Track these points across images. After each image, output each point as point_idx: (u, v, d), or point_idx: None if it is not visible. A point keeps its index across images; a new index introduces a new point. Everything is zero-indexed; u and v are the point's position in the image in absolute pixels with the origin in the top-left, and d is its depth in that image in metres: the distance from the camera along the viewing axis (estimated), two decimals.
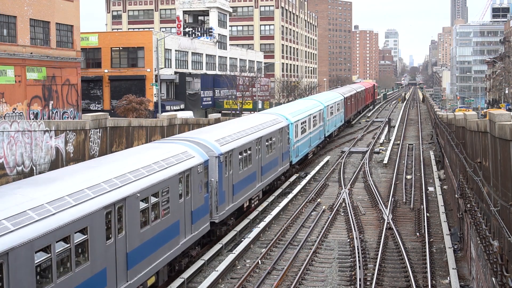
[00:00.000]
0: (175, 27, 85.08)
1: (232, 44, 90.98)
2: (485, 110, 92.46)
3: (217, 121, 46.04)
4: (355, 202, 29.87)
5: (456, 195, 23.18)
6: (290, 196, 30.30)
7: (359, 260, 20.32)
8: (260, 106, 71.99)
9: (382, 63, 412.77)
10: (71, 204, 12.65)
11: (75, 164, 17.18)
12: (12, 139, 28.11)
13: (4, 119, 36.10)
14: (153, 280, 16.51)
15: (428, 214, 27.13)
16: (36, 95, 43.09)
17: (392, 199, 29.81)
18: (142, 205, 15.51)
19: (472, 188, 18.42)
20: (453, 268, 19.28)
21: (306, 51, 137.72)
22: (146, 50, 60.20)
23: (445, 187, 33.35)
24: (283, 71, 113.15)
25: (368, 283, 18.64)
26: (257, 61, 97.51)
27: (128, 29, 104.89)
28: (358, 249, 21.49)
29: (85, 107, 58.00)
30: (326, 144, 50.59)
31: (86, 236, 12.75)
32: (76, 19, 47.41)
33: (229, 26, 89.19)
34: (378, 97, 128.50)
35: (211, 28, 78.91)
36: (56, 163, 30.56)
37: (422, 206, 28.53)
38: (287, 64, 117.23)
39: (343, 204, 29.25)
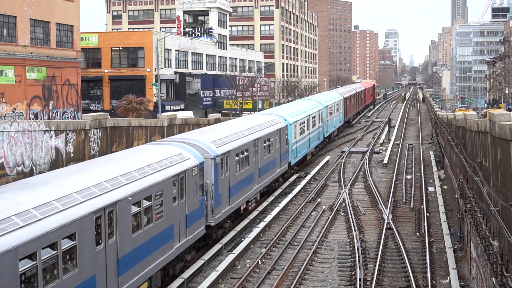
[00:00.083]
0: (175, 27, 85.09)
1: (232, 44, 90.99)
2: (485, 110, 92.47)
3: (217, 121, 46.05)
4: (355, 202, 29.87)
5: (456, 195, 23.19)
6: (290, 196, 30.30)
7: (359, 260, 20.31)
8: (260, 106, 72.00)
9: (382, 63, 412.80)
10: (58, 209, 12.24)
11: (66, 167, 16.77)
12: (12, 139, 28.11)
13: (4, 119, 36.10)
14: (145, 286, 16.17)
15: (428, 214, 27.13)
16: (36, 95, 43.09)
17: (392, 199, 29.81)
18: (134, 209, 15.12)
19: (472, 188, 18.42)
20: (453, 268, 19.28)
21: (306, 51, 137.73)
22: (146, 50, 60.21)
23: (445, 187, 33.35)
24: (283, 71, 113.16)
25: (368, 283, 18.64)
26: (257, 61, 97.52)
27: (128, 29, 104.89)
28: (358, 249, 21.49)
29: (85, 107, 58.01)
30: (325, 145, 50.27)
31: (74, 242, 12.35)
32: (76, 19, 47.42)
33: (229, 26, 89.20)
34: (378, 97, 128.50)
35: (211, 28, 78.91)
36: (56, 163, 30.57)
37: (422, 206, 28.53)
38: (287, 64, 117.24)
39: (343, 204, 29.25)
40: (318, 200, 30.37)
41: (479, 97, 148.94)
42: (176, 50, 66.51)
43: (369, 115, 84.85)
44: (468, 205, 18.97)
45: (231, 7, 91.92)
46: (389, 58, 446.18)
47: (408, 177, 36.81)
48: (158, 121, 40.53)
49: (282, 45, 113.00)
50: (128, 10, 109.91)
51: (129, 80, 60.11)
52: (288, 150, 34.03)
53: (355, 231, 24.18)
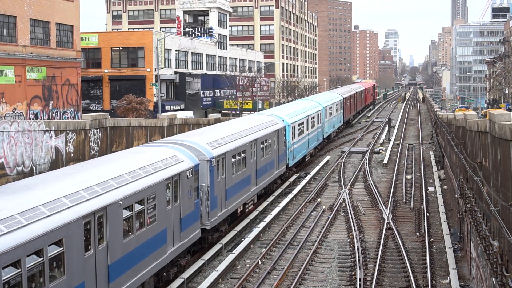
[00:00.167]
0: (175, 27, 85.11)
1: (232, 44, 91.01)
2: (485, 110, 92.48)
3: (217, 121, 46.05)
4: (355, 202, 29.87)
5: (456, 195, 23.19)
6: (290, 196, 30.30)
7: (359, 260, 20.31)
8: (260, 106, 72.00)
9: (382, 63, 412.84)
10: (45, 215, 11.84)
11: (56, 170, 16.28)
12: (12, 139, 28.12)
13: (4, 119, 36.11)
14: None
15: (428, 214, 27.13)
16: (36, 95, 43.10)
17: (392, 199, 29.81)
18: (126, 213, 14.73)
19: (472, 188, 18.43)
20: (453, 268, 19.28)
21: (306, 51, 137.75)
22: (146, 50, 60.22)
23: (445, 187, 33.35)
24: (283, 71, 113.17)
25: (368, 283, 18.64)
26: (257, 61, 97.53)
27: (128, 29, 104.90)
28: (358, 249, 21.49)
29: (85, 107, 58.02)
30: (324, 145, 49.95)
31: (61, 248, 11.96)
32: (76, 19, 47.42)
33: (229, 26, 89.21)
34: (378, 97, 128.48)
35: (211, 28, 78.92)
36: (56, 163, 30.58)
37: (422, 206, 28.53)
38: (287, 64, 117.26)
39: (343, 204, 29.25)
40: (318, 200, 30.36)
41: (479, 97, 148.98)
42: (176, 50, 66.52)
43: (369, 115, 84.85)
44: (468, 205, 18.98)
45: (231, 7, 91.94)
46: (389, 58, 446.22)
47: (408, 177, 36.81)
48: (158, 121, 40.54)
49: (282, 45, 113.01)
50: (128, 10, 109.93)
51: (129, 80, 60.12)
52: (286, 151, 33.69)
53: (355, 231, 24.18)
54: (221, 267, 19.42)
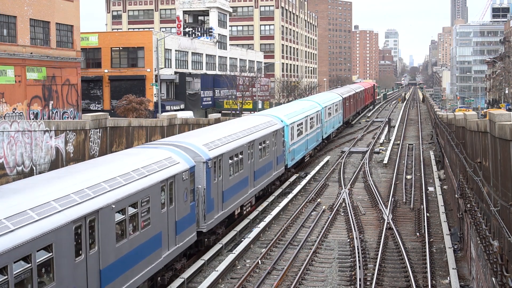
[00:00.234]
0: (175, 27, 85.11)
1: (232, 44, 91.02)
2: (485, 110, 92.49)
3: (217, 121, 46.06)
4: (355, 202, 29.87)
5: (456, 195, 23.19)
6: (290, 196, 30.29)
7: (359, 260, 20.32)
8: (260, 106, 72.01)
9: (382, 63, 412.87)
10: (33, 219, 11.48)
11: (46, 173, 15.87)
12: (12, 139, 28.12)
13: (4, 119, 36.11)
14: None
15: (428, 214, 27.13)
16: (36, 95, 43.11)
17: (392, 199, 29.81)
18: (118, 217, 14.38)
19: (472, 188, 18.43)
20: (453, 268, 19.28)
21: (306, 51, 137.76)
22: (146, 50, 60.23)
23: (445, 187, 33.36)
24: (283, 71, 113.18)
25: (368, 283, 18.64)
26: (257, 61, 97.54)
27: (128, 29, 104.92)
28: (358, 249, 21.49)
29: (85, 107, 58.03)
30: (323, 146, 49.64)
31: (51, 254, 11.61)
32: (76, 19, 47.43)
33: (229, 26, 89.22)
34: (378, 97, 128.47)
35: (211, 28, 78.93)
36: (56, 163, 30.59)
37: (422, 206, 28.53)
38: (287, 64, 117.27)
39: (343, 204, 29.25)
40: (318, 200, 30.36)
41: (479, 97, 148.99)
42: (176, 50, 66.53)
43: (369, 115, 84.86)
44: (468, 205, 18.98)
45: (231, 7, 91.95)
46: (389, 58, 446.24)
47: (408, 177, 36.81)
48: (158, 121, 40.55)
49: (282, 45, 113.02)
50: (128, 10, 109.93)
51: (129, 80, 60.12)
52: (285, 152, 33.38)
53: (355, 231, 24.18)
54: (221, 267, 19.42)
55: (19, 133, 28.51)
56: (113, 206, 14.08)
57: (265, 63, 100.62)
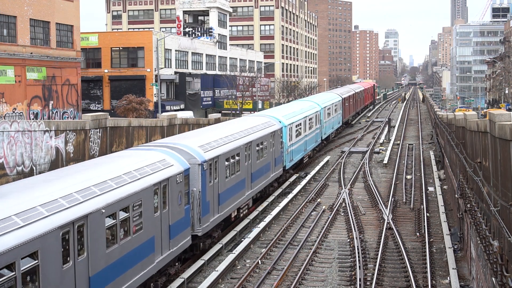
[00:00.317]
0: (175, 27, 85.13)
1: (232, 44, 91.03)
2: (485, 110, 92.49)
3: (217, 121, 46.06)
4: (355, 202, 29.87)
5: (456, 195, 23.19)
6: (290, 196, 30.29)
7: (359, 260, 20.32)
8: (260, 106, 72.02)
9: (382, 63, 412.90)
10: (18, 225, 11.08)
11: (34, 176, 15.34)
12: (12, 139, 28.12)
13: (4, 119, 36.12)
14: None
15: (428, 214, 27.13)
16: (36, 95, 43.11)
17: (392, 199, 29.81)
18: (109, 221, 13.99)
19: (472, 188, 18.43)
20: (453, 268, 19.28)
21: (306, 51, 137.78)
22: (146, 50, 60.24)
23: (445, 187, 33.36)
24: (283, 71, 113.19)
25: (368, 283, 18.64)
26: (257, 61, 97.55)
27: (128, 29, 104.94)
28: (358, 249, 21.49)
29: (85, 107, 58.03)
30: (323, 147, 49.25)
31: (36, 261, 11.21)
32: (76, 19, 47.44)
33: (229, 26, 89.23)
34: (378, 97, 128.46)
35: (211, 28, 78.94)
36: (56, 163, 30.59)
37: (422, 206, 28.53)
38: (287, 64, 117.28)
39: (343, 204, 29.26)
40: (318, 200, 30.36)
41: (479, 97, 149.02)
42: (176, 50, 66.53)
43: (369, 115, 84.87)
44: (468, 205, 18.98)
45: (231, 7, 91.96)
46: (389, 58, 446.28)
47: (408, 177, 36.81)
48: (158, 121, 40.55)
49: (282, 45, 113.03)
50: (128, 10, 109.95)
51: (129, 80, 60.14)
52: (283, 154, 33.01)
53: (355, 231, 24.18)
54: (221, 267, 19.42)
55: (19, 133, 28.52)
56: (103, 210, 13.68)
57: (265, 63, 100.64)
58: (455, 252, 21.47)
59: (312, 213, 27.80)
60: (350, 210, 27.77)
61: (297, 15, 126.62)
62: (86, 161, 18.81)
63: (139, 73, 60.14)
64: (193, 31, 78.92)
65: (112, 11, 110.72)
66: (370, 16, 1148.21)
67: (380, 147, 48.85)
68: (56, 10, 44.98)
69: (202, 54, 73.99)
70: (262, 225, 24.77)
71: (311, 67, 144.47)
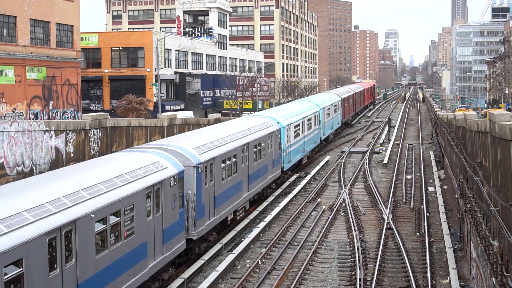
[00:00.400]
0: (175, 27, 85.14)
1: (232, 44, 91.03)
2: (485, 110, 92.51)
3: (217, 121, 46.06)
4: (355, 202, 29.87)
5: (456, 195, 23.19)
6: (290, 196, 30.30)
7: (359, 260, 20.32)
8: (260, 106, 72.03)
9: (382, 63, 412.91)
10: (1, 232, 10.75)
11: (20, 180, 14.96)
12: (12, 139, 28.12)
13: (4, 119, 36.12)
14: None
15: (428, 214, 27.13)
16: (36, 95, 43.11)
17: (392, 199, 29.82)
18: (99, 226, 13.58)
19: (472, 188, 18.43)
20: (453, 268, 19.28)
21: (306, 51, 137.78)
22: (146, 50, 60.24)
23: (445, 187, 33.36)
24: (283, 71, 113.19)
25: (368, 283, 18.64)
26: (257, 61, 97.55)
27: (128, 29, 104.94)
28: (358, 249, 21.50)
29: (85, 107, 58.04)
30: (322, 148, 48.95)
31: (20, 269, 10.83)
32: (76, 19, 47.44)
33: (229, 26, 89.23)
34: (378, 97, 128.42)
35: (211, 28, 78.94)
36: (56, 163, 30.59)
37: (422, 206, 28.53)
38: (287, 64, 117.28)
39: (343, 204, 29.26)
40: (318, 200, 30.36)
41: (479, 97, 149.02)
42: (176, 50, 66.53)
43: (369, 115, 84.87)
44: (468, 205, 18.98)
45: (231, 7, 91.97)
46: (389, 58, 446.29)
47: (408, 177, 36.81)
48: (158, 121, 40.55)
49: (282, 45, 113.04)
50: (128, 10, 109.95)
51: (129, 80, 60.14)
52: (281, 155, 32.55)
53: (355, 231, 24.18)
54: (221, 267, 19.42)
55: (19, 133, 28.51)
56: (93, 215, 13.28)
57: (265, 63, 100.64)
58: (455, 252, 21.47)
59: (312, 213, 27.80)
60: (350, 210, 27.77)
61: (297, 15, 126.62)
62: (77, 163, 18.28)
63: (139, 73, 60.14)
64: (193, 31, 78.93)
65: (112, 11, 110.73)
66: (370, 16, 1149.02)
67: (380, 147, 48.85)
68: (56, 10, 44.98)
69: (202, 54, 74.00)
70: (262, 225, 24.78)
71: (311, 67, 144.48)
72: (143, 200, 15.83)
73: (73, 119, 45.48)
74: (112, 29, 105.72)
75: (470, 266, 19.22)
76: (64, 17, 45.96)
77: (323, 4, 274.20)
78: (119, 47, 61.56)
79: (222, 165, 22.42)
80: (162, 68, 60.48)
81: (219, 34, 79.94)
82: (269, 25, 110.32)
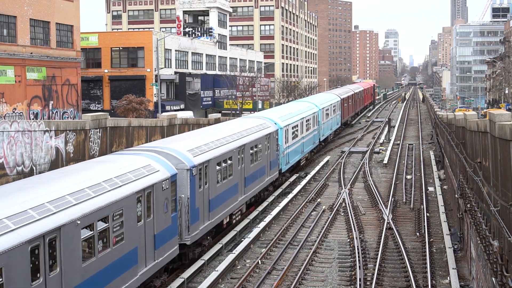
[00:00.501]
0: (175, 27, 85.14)
1: (232, 44, 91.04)
2: (485, 110, 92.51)
3: (217, 121, 46.06)
4: (355, 202, 29.88)
5: (456, 195, 23.19)
6: (290, 196, 30.30)
7: (359, 260, 20.32)
8: (260, 106, 72.04)
9: (382, 63, 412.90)
10: None
11: (6, 184, 14.50)
12: (12, 139, 28.11)
13: (4, 119, 36.12)
14: None
15: (428, 214, 27.14)
16: (36, 95, 43.11)
17: (392, 199, 29.82)
18: (85, 233, 13.08)
19: (472, 188, 18.43)
20: (453, 268, 19.29)
21: (306, 51, 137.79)
22: (146, 50, 60.24)
23: (445, 187, 33.36)
24: (283, 71, 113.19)
25: (368, 283, 18.65)
26: (257, 61, 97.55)
27: (128, 29, 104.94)
28: (358, 249, 21.50)
29: (85, 107, 58.04)
30: (320, 148, 48.67)
31: (0, 279, 10.43)
32: (76, 19, 47.44)
33: (229, 26, 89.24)
34: (378, 97, 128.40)
35: (211, 28, 78.95)
36: (56, 163, 30.59)
37: (422, 206, 28.54)
38: (287, 64, 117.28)
39: (343, 204, 29.26)
40: (318, 200, 30.37)
41: (479, 97, 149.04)
42: (176, 50, 66.54)
43: (369, 115, 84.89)
44: (468, 205, 18.98)
45: (231, 7, 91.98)
46: (389, 58, 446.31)
47: (408, 177, 36.82)
48: (158, 121, 40.55)
49: (282, 45, 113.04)
50: (128, 10, 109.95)
51: (129, 80, 60.14)
52: (279, 156, 32.10)
53: (355, 231, 24.19)
54: (221, 267, 19.42)
55: (19, 133, 28.51)
56: (79, 221, 12.78)
57: (265, 63, 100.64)
58: (455, 252, 21.47)
59: (312, 213, 27.81)
60: (350, 210, 27.77)
61: (297, 15, 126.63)
62: (65, 167, 17.82)
63: (139, 73, 60.14)
64: (193, 31, 78.93)
65: (112, 11, 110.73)
66: (370, 16, 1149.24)
67: (380, 147, 48.86)
68: (56, 10, 44.98)
69: (202, 54, 74.00)
70: (262, 225, 24.78)
71: (311, 67, 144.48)
72: (133, 204, 15.36)
73: (73, 119, 45.48)
74: (112, 29, 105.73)
75: (470, 266, 19.22)
76: (64, 17, 45.96)
77: (323, 4, 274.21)
78: (119, 47, 61.57)
79: (218, 167, 22.01)
80: (162, 68, 60.49)
81: (219, 34, 79.95)
82: (269, 25, 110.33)
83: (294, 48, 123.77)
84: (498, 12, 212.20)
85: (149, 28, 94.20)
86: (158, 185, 16.76)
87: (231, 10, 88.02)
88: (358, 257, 20.62)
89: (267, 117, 32.77)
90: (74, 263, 12.67)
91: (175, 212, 18.20)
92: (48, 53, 44.18)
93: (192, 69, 70.73)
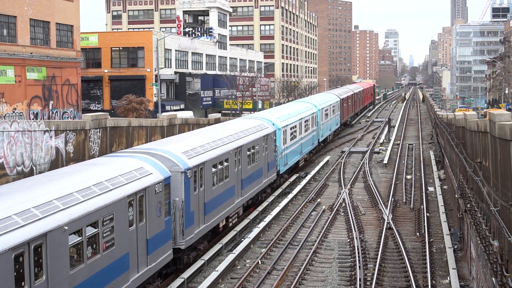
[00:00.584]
0: (175, 27, 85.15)
1: (232, 44, 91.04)
2: (485, 110, 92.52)
3: (217, 121, 46.06)
4: (355, 202, 29.88)
5: (456, 195, 23.20)
6: (290, 196, 30.30)
7: (359, 260, 20.32)
8: (260, 106, 72.05)
9: (382, 63, 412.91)
10: None
11: None
12: (12, 139, 28.11)
13: (4, 119, 36.12)
14: None
15: (428, 214, 27.14)
16: (36, 95, 43.11)
17: (392, 199, 29.82)
18: (74, 239, 12.64)
19: (472, 188, 18.43)
20: (453, 268, 19.29)
21: (306, 51, 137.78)
22: (146, 50, 60.25)
23: (445, 187, 33.36)
24: (283, 71, 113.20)
25: (368, 283, 18.65)
26: (257, 61, 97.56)
27: (128, 29, 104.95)
28: (358, 249, 21.50)
29: (85, 107, 58.04)
30: (320, 149, 48.39)
31: None
32: (76, 19, 47.44)
33: (229, 26, 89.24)
34: (378, 97, 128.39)
35: (211, 28, 78.95)
36: (56, 163, 30.59)
37: (422, 206, 28.54)
38: (287, 64, 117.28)
39: (343, 204, 29.26)
40: (318, 200, 30.37)
41: (479, 97, 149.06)
42: (176, 50, 66.54)
43: (369, 115, 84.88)
44: (468, 205, 18.98)
45: (231, 7, 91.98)
46: (389, 58, 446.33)
47: (408, 177, 36.82)
48: (158, 121, 40.55)
49: (282, 45, 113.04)
50: (128, 10, 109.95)
51: (129, 80, 60.15)
52: (277, 158, 31.60)
53: (355, 231, 24.19)
54: (221, 267, 19.42)
55: (19, 133, 28.51)
56: (66, 227, 12.31)
57: (265, 63, 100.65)
58: (455, 252, 21.48)
59: (312, 213, 27.81)
60: (350, 210, 27.77)
61: (297, 15, 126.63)
62: (55, 170, 17.31)
63: (139, 73, 60.15)
64: (193, 31, 78.94)
65: (112, 11, 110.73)
66: (370, 16, 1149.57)
67: (380, 147, 48.85)
68: (56, 10, 44.98)
69: (202, 54, 74.01)
70: (262, 225, 24.78)
71: (311, 67, 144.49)
72: (125, 209, 14.93)
73: (73, 119, 45.49)
74: (112, 29, 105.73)
75: (470, 266, 19.22)
76: (64, 17, 45.97)
77: (323, 4, 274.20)
78: (119, 47, 61.57)
79: (213, 169, 21.52)
80: (162, 68, 60.49)
81: (219, 34, 79.95)
82: (269, 25, 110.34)
83: (294, 48, 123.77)
84: (498, 12, 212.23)
85: (149, 28, 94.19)
86: (151, 189, 16.35)
87: (231, 10, 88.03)
88: (358, 257, 20.62)
89: (265, 118, 32.37)
90: (61, 270, 12.23)
91: (168, 216, 17.76)
92: (48, 53, 44.18)
93: (192, 69, 70.74)
